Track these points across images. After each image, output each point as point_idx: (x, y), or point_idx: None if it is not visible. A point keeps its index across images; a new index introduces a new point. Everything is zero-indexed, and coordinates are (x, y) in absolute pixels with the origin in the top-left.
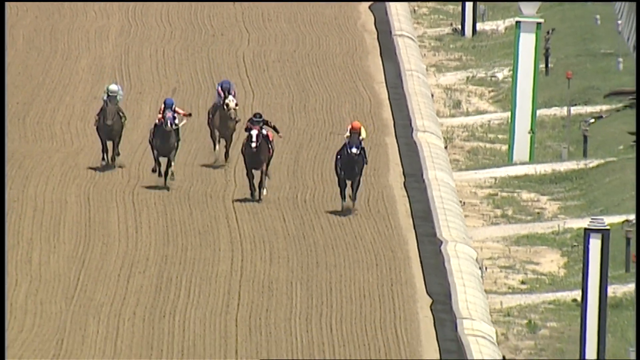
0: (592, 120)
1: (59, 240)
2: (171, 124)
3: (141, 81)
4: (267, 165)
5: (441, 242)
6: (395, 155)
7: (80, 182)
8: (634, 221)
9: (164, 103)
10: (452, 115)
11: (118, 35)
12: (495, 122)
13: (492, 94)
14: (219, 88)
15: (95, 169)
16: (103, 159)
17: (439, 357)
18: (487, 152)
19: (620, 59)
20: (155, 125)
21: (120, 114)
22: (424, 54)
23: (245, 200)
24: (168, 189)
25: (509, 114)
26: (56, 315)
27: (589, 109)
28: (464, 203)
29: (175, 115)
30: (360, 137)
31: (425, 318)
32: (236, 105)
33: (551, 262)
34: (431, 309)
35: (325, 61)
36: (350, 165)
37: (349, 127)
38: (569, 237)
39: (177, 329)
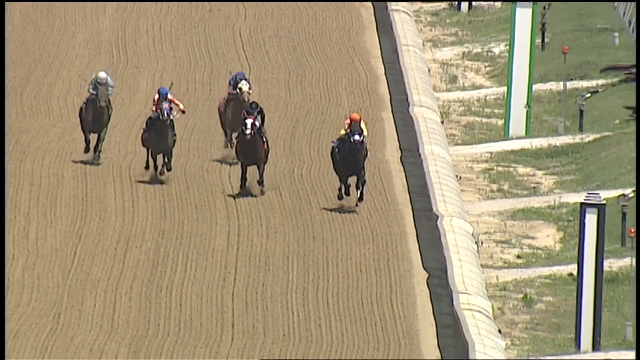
0: (588, 94)
1: (56, 215)
2: (168, 115)
3: (138, 56)
4: (265, 162)
5: (437, 217)
6: (391, 130)
7: (77, 157)
8: (630, 195)
9: (158, 93)
10: (449, 90)
11: (115, 10)
12: (491, 97)
13: (488, 68)
14: (230, 86)
15: (91, 144)
16: (86, 151)
17: (435, 331)
18: (483, 126)
19: (616, 34)
20: (150, 118)
21: (109, 105)
22: (421, 29)
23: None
24: (162, 173)
25: (505, 88)
26: (53, 289)
27: (585, 83)
28: (460, 178)
29: (172, 105)
30: (363, 133)
31: (421, 292)
32: (250, 89)
33: (547, 236)
34: (427, 284)
35: (322, 36)
36: (352, 155)
37: (347, 120)
38: (565, 212)
39: (173, 303)
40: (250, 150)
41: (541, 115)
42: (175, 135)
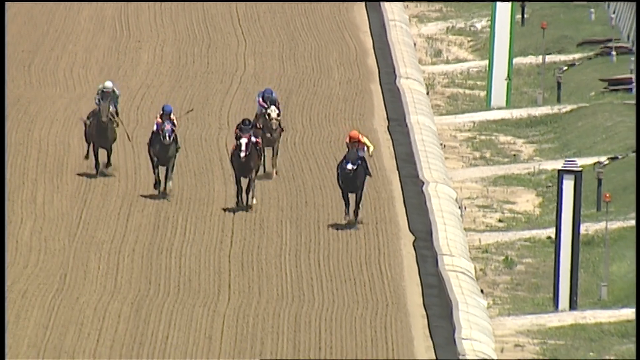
0: (566, 67)
1: (62, 181)
2: (169, 136)
3: (140, 30)
4: (256, 172)
5: (423, 183)
6: (379, 101)
7: (82, 126)
8: (606, 163)
9: (163, 110)
10: (434, 63)
11: None
12: (474, 70)
13: (471, 43)
14: (260, 98)
15: None
16: (96, 166)
17: (420, 291)
18: (466, 97)
19: (592, 10)
20: (153, 132)
21: (113, 118)
22: (407, 5)
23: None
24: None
25: (487, 62)
26: (59, 251)
27: (562, 57)
28: (445, 146)
29: (173, 126)
30: (363, 152)
31: (408, 254)
32: (278, 115)
33: (527, 201)
34: (413, 246)
35: (314, 12)
36: (349, 180)
37: (347, 137)
38: (543, 178)
39: (173, 265)
40: (245, 166)
41: (521, 87)
42: (178, 148)
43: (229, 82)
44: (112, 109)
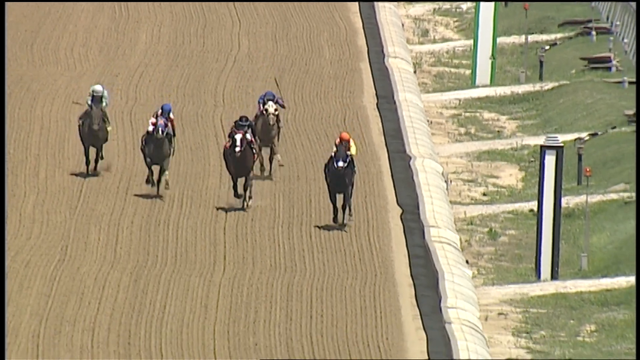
0: (547, 47)
1: (64, 156)
2: (162, 131)
3: (138, 11)
4: (253, 170)
5: (410, 158)
6: (368, 79)
7: (83, 102)
8: (586, 139)
9: (162, 108)
10: (421, 43)
11: None
12: (459, 49)
13: (456, 23)
14: (261, 101)
15: None
16: (87, 163)
17: (408, 261)
18: (452, 76)
19: None
20: (148, 132)
21: (105, 119)
22: None
23: (232, 120)
24: (158, 192)
25: (471, 41)
26: (61, 224)
27: (544, 37)
28: (431, 122)
29: (168, 123)
30: (349, 152)
31: (395, 226)
32: (276, 110)
33: (510, 175)
34: (401, 218)
35: None
36: (338, 179)
37: (337, 138)
38: (526, 153)
39: (170, 237)
40: (241, 164)
41: (504, 65)
42: (173, 148)
43: (224, 61)
44: (103, 106)
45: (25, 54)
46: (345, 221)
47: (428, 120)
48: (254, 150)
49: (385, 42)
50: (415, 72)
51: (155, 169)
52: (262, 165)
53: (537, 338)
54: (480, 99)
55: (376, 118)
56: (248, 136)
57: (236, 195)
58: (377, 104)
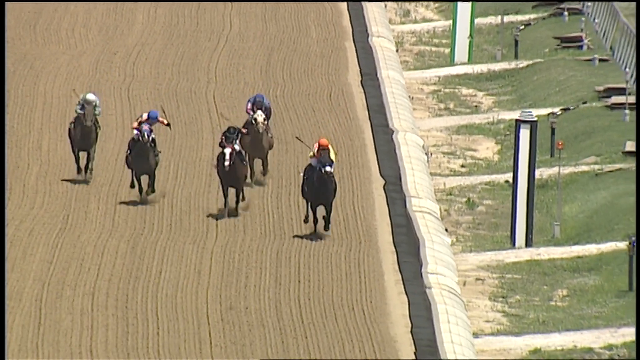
0: (522, 27)
1: (65, 130)
2: (148, 136)
3: None
4: (244, 182)
5: (393, 132)
6: (353, 57)
7: (84, 80)
8: (559, 113)
9: (148, 115)
10: (402, 23)
11: None
12: (439, 29)
13: (436, 4)
14: (250, 104)
15: (96, 68)
16: (78, 172)
17: (390, 230)
18: (432, 54)
19: None
20: (132, 139)
21: (96, 124)
22: None
23: (224, 96)
24: (147, 195)
25: (451, 22)
26: (63, 194)
27: (519, 17)
28: (413, 98)
29: (152, 128)
30: (331, 157)
31: (379, 197)
32: (264, 120)
33: (487, 148)
34: (384, 189)
35: None
36: (322, 186)
37: (316, 144)
38: (502, 127)
39: (166, 206)
40: (231, 175)
41: (482, 44)
42: (157, 155)
43: (217, 40)
44: (96, 113)
45: (29, 33)
46: (323, 231)
47: (409, 96)
48: (244, 162)
49: (368, 23)
50: (397, 50)
51: (144, 178)
52: (252, 174)
53: (512, 302)
54: (458, 76)
55: (360, 94)
56: (237, 147)
57: (226, 203)
58: (361, 81)
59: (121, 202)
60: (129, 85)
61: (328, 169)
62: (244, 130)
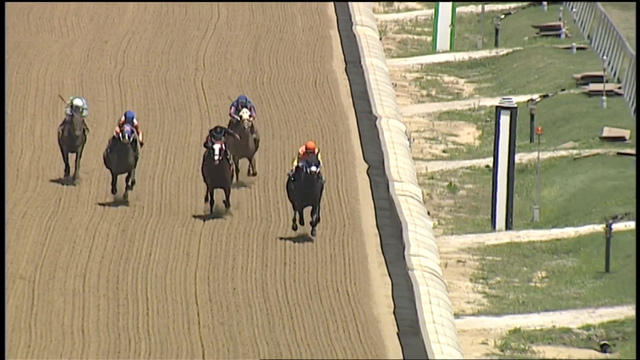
0: (503, 16)
1: (57, 116)
2: (129, 137)
3: None
4: (231, 182)
5: (376, 118)
6: (337, 45)
7: (75, 68)
8: (538, 100)
9: (125, 116)
10: (386, 12)
11: None
12: (421, 18)
13: None
14: (233, 108)
15: (87, 56)
16: (67, 172)
17: (374, 213)
18: (414, 42)
19: None
20: (113, 137)
21: (84, 127)
22: None
23: (212, 83)
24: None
25: (433, 11)
26: (55, 178)
27: (499, 6)
28: (395, 85)
29: (134, 129)
30: (318, 159)
31: (362, 181)
32: (250, 117)
33: (468, 134)
34: (368, 173)
35: None
36: (309, 187)
37: (302, 147)
38: (483, 113)
39: (156, 190)
40: (218, 174)
41: (463, 33)
42: (137, 155)
43: (205, 29)
44: (83, 115)
45: (22, 22)
46: (313, 231)
47: (392, 83)
48: (230, 161)
49: (353, 12)
50: (380, 39)
51: (120, 176)
52: (236, 174)
53: (492, 283)
54: (440, 63)
55: (345, 81)
56: (223, 146)
57: (211, 207)
58: (345, 68)
59: (111, 186)
60: (119, 72)
61: (314, 168)
62: (231, 132)
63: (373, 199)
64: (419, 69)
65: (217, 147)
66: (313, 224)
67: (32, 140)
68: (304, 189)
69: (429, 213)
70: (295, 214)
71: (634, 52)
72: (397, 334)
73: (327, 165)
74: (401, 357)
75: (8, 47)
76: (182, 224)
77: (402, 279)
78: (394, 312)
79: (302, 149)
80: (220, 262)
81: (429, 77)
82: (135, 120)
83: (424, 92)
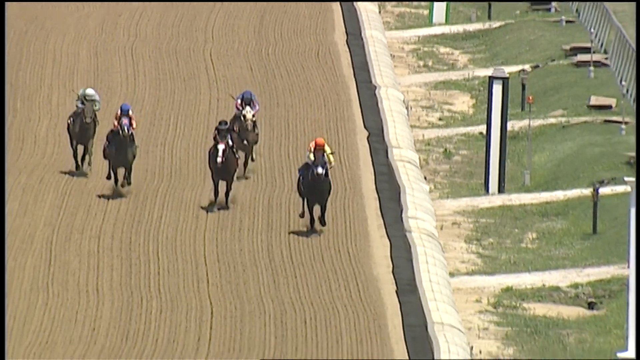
0: None
1: (73, 85)
2: (127, 129)
3: None
4: (235, 175)
5: (375, 87)
6: (339, 18)
7: (90, 39)
8: (529, 70)
9: (120, 109)
10: None
11: None
12: None
13: None
14: (239, 101)
15: (102, 28)
16: (76, 168)
17: (373, 178)
18: (412, 16)
19: None
20: (112, 131)
21: (95, 119)
22: None
23: (220, 54)
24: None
25: None
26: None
27: None
28: (394, 56)
29: (132, 121)
30: (325, 156)
31: (363, 147)
32: (253, 116)
33: (462, 102)
34: (367, 140)
35: None
36: (316, 187)
37: (312, 144)
38: (476, 83)
39: (166, 156)
40: (223, 170)
41: (458, 7)
42: (135, 149)
43: (213, 3)
44: (95, 108)
45: None
46: (323, 225)
47: (391, 55)
48: (237, 156)
49: None
50: (380, 12)
51: (120, 170)
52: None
53: (485, 244)
54: (436, 35)
55: (346, 52)
56: (230, 142)
57: (216, 194)
58: (346, 40)
59: None
60: (132, 44)
61: (320, 170)
62: (235, 129)
63: (373, 164)
64: (416, 41)
65: (220, 147)
66: (321, 222)
67: (49, 108)
68: (311, 188)
69: (425, 178)
70: (303, 206)
71: (619, 24)
72: (396, 292)
73: (330, 133)
74: (399, 314)
75: (26, 20)
76: (192, 188)
77: (400, 240)
78: (392, 272)
79: (312, 145)
80: (228, 224)
81: (425, 49)
82: (130, 112)
83: (421, 63)
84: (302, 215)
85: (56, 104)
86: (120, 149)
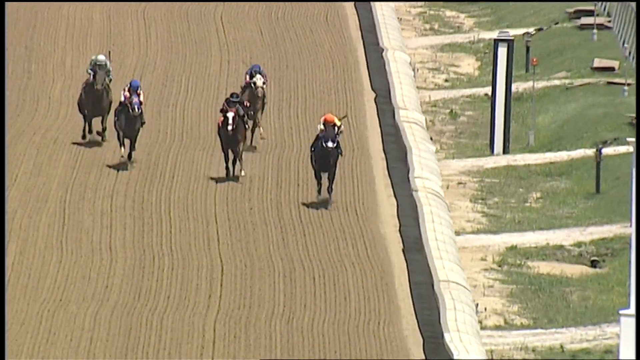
0: None
1: (87, 48)
2: (138, 108)
3: None
4: (244, 144)
5: (383, 50)
6: None
7: (103, 3)
8: (533, 33)
9: (130, 84)
10: None
11: None
12: None
13: None
14: (248, 76)
15: None
16: (83, 137)
17: (381, 139)
18: None
19: None
20: (121, 103)
21: (107, 89)
22: None
23: (231, 17)
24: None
25: None
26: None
27: None
28: (401, 19)
29: (141, 99)
30: (336, 129)
31: (370, 108)
32: (264, 83)
33: (468, 65)
34: (375, 101)
35: None
36: (325, 158)
37: (322, 119)
38: (482, 46)
39: (178, 116)
40: (232, 139)
41: None
42: (143, 122)
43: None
44: (106, 80)
45: None
46: (330, 197)
47: (398, 18)
48: (246, 126)
49: None
50: None
51: (127, 142)
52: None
53: (491, 204)
54: None
55: (354, 16)
56: (240, 111)
57: (227, 167)
58: (354, 4)
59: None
60: (144, 8)
61: (330, 144)
62: (246, 102)
63: (380, 125)
64: (423, 4)
65: (230, 115)
66: (329, 189)
67: (63, 71)
68: (321, 159)
69: (431, 138)
70: (316, 178)
71: None
72: (402, 251)
73: (338, 94)
74: (406, 272)
75: None
76: (203, 148)
77: (407, 200)
78: (399, 230)
79: (322, 120)
80: (238, 184)
81: (431, 12)
82: (140, 90)
83: (427, 26)
84: (319, 192)
85: (70, 67)
86: (129, 124)
